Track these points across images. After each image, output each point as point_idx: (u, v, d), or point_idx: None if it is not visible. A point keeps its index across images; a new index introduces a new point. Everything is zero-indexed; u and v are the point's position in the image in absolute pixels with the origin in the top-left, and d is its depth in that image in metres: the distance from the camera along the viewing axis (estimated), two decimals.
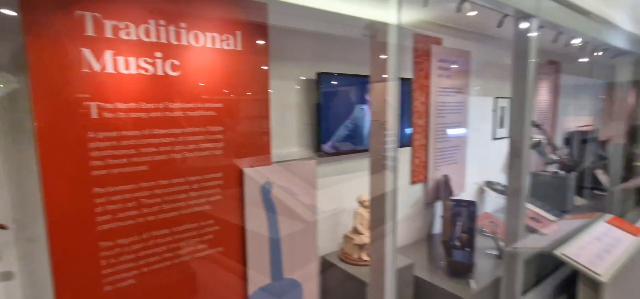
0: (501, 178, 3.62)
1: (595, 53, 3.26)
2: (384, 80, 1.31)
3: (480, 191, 3.41)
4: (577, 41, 2.86)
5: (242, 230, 1.59)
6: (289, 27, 1.82)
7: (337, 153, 2.09)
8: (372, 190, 1.49)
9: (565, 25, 2.20)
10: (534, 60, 1.92)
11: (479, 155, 3.32)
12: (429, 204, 2.87)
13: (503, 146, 3.62)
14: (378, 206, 1.43)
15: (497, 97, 3.44)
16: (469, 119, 3.12)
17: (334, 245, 2.26)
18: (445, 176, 2.87)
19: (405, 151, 2.61)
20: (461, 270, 2.16)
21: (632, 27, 3.01)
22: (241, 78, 1.49)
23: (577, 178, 4.03)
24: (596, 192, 4.13)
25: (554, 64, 4.19)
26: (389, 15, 1.23)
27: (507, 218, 2.09)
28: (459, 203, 2.83)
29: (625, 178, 4.54)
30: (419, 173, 2.75)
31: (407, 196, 2.71)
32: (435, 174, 2.86)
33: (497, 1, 1.71)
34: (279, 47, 1.85)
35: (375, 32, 1.43)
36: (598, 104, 5.34)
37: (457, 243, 2.43)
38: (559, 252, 2.31)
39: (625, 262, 2.35)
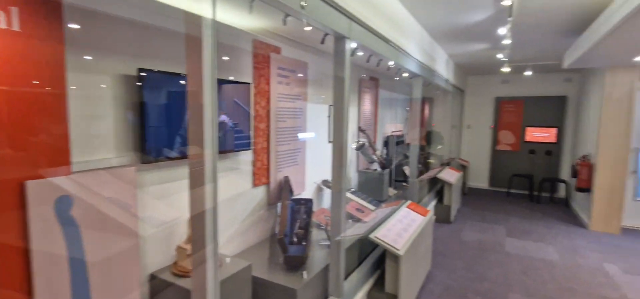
0: None
1: (400, 74, 4.11)
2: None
3: (319, 189, 3.78)
4: (391, 63, 3.54)
5: (25, 258, 1.25)
6: (95, 10, 1.56)
7: (170, 158, 1.92)
8: (192, 200, 1.39)
9: (374, 49, 2.69)
10: (347, 74, 2.25)
11: (317, 157, 3.69)
12: (272, 205, 2.99)
13: None
14: (199, 223, 1.34)
15: (331, 105, 3.90)
16: (308, 124, 3.42)
17: (167, 258, 2.07)
18: (286, 177, 3.05)
19: (248, 155, 2.64)
20: (296, 263, 2.33)
21: (419, 56, 3.94)
22: (19, 67, 1.17)
23: (390, 174, 4.99)
24: (404, 184, 5.22)
25: (375, 80, 5.07)
26: (203, 8, 1.20)
27: (331, 211, 2.38)
28: (298, 201, 3.07)
29: (422, 173, 5.90)
30: (261, 176, 2.83)
31: (250, 199, 2.74)
32: (277, 176, 3.00)
33: (320, 22, 1.93)
34: (88, 35, 1.56)
35: (190, 25, 1.34)
36: (405, 114, 6.79)
37: (295, 239, 2.61)
38: (373, 236, 2.80)
39: (415, 237, 3.05)
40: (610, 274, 3.89)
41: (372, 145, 4.47)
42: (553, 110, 7.59)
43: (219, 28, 1.76)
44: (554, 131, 7.62)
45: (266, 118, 2.82)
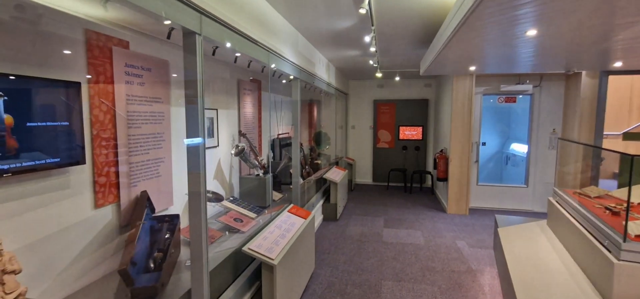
0: (213, 186, 3.81)
1: (278, 77, 4.04)
2: None
3: None
4: (273, 66, 3.41)
5: None
6: None
7: None
8: None
9: (239, 49, 2.51)
10: (200, 74, 2.03)
11: None
12: (125, 227, 2.52)
13: (214, 155, 3.82)
14: None
15: (205, 108, 3.57)
16: (174, 130, 3.04)
17: None
18: (143, 192, 2.63)
19: (79, 170, 2.15)
20: (147, 295, 1.98)
21: (294, 59, 3.95)
22: None
23: (276, 177, 4.90)
24: (290, 186, 5.20)
25: (257, 82, 4.91)
26: None
27: (190, 229, 2.11)
28: (161, 219, 2.68)
29: (309, 174, 6.00)
30: (107, 194, 2.35)
31: (91, 224, 2.24)
32: (131, 191, 2.55)
33: (153, 10, 1.66)
34: None
35: None
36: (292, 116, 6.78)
37: (151, 265, 2.25)
38: (246, 248, 2.62)
39: (294, 242, 3.00)
40: (460, 250, 4.59)
41: (253, 149, 4.30)
42: (419, 111, 8.71)
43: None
44: (420, 129, 8.76)
45: (112, 125, 2.36)
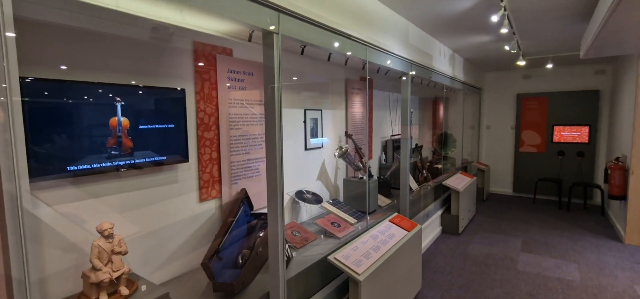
0: (317, 187, 3.81)
1: (387, 73, 3.72)
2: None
3: (293, 201, 3.49)
4: (377, 64, 3.19)
5: None
6: None
7: (62, 176, 1.72)
8: None
9: (327, 46, 2.37)
10: (278, 74, 1.96)
11: (290, 166, 3.40)
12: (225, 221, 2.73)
13: (317, 156, 3.82)
14: None
15: (307, 109, 3.61)
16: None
17: (77, 285, 1.87)
18: (242, 190, 2.80)
19: (185, 167, 2.41)
20: (227, 291, 2.06)
21: (403, 52, 3.54)
22: None
23: (386, 181, 4.58)
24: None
25: (365, 80, 4.70)
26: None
27: (269, 231, 2.08)
28: (257, 216, 2.80)
29: (426, 179, 5.41)
30: (210, 189, 2.59)
31: (195, 216, 2.51)
32: (231, 189, 2.75)
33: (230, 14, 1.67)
34: None
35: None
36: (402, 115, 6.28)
37: (240, 260, 2.34)
38: (331, 257, 2.46)
39: (388, 257, 2.66)
40: None
41: (359, 150, 4.11)
42: (584, 106, 6.77)
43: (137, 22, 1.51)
44: (585, 130, 6.79)
45: (215, 126, 2.59)
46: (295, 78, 3.34)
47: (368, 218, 3.61)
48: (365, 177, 4.00)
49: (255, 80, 2.91)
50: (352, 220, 3.47)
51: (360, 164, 4.03)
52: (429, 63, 4.34)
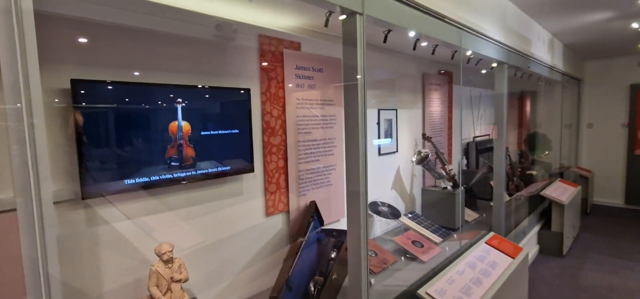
0: (391, 197, 3.34)
1: (477, 63, 3.13)
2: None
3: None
4: (469, 53, 2.66)
5: None
6: None
7: (123, 190, 1.52)
8: None
9: (417, 29, 1.91)
10: (361, 64, 1.55)
11: None
12: (294, 237, 2.41)
13: (391, 162, 3.35)
14: None
15: (381, 109, 3.16)
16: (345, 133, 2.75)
17: None
18: (312, 202, 2.45)
19: (250, 177, 2.13)
20: None
21: (501, 37, 2.90)
22: None
23: (470, 190, 3.92)
24: (491, 204, 4.06)
25: (446, 75, 4.09)
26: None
27: (349, 253, 1.69)
28: (329, 233, 2.43)
29: (518, 187, 4.59)
30: (277, 202, 2.29)
31: (261, 232, 2.22)
32: (300, 201, 2.42)
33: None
34: None
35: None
36: (496, 113, 5.45)
37: (312, 288, 1.99)
38: (423, 291, 1.98)
39: (494, 294, 2.10)
40: None
41: (440, 156, 3.53)
42: None
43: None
44: None
45: (282, 130, 2.28)
46: (359, 76, 2.91)
47: (456, 236, 3.04)
48: (449, 186, 3.41)
49: (325, 78, 2.54)
50: (436, 238, 2.93)
51: (443, 171, 3.45)
52: (527, 50, 3.59)
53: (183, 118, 1.69)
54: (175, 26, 1.73)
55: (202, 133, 1.78)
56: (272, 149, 2.23)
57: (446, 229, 3.14)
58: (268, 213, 2.24)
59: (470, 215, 3.64)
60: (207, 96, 1.80)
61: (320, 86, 2.51)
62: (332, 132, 2.63)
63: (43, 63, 0.81)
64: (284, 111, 2.28)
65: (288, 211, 2.36)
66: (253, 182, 2.14)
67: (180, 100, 1.68)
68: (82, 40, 1.45)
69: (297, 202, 2.40)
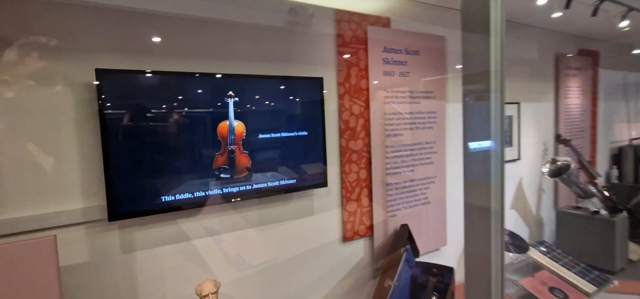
0: (510, 221, 2.52)
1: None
2: None
3: None
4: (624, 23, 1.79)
5: None
6: None
7: (153, 211, 1.19)
8: None
9: None
10: (499, 26, 0.92)
11: None
12: (379, 270, 1.86)
13: (511, 172, 2.53)
14: None
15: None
16: (451, 137, 2.10)
17: None
18: (404, 226, 1.86)
19: (323, 193, 1.65)
20: None
21: None
22: None
23: (631, 214, 2.80)
24: None
25: (589, 55, 3.02)
26: None
27: (465, 292, 1.07)
28: (427, 269, 1.82)
29: None
30: (357, 224, 1.77)
31: (337, 263, 1.73)
32: (387, 224, 1.86)
33: None
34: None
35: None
36: None
37: None
38: None
39: None
40: None
41: (586, 166, 2.55)
42: None
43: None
44: None
45: (364, 132, 1.76)
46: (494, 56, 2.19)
47: (617, 284, 2.09)
48: (601, 210, 2.42)
49: (423, 63, 1.94)
50: (587, 286, 2.04)
51: (592, 188, 2.47)
52: None
53: (236, 118, 1.31)
54: (226, 10, 1.36)
55: (260, 136, 1.37)
56: (352, 156, 1.72)
57: (599, 271, 2.19)
58: (346, 238, 1.74)
59: (636, 250, 2.55)
60: (267, 88, 1.39)
61: (416, 74, 1.91)
62: (430, 134, 2.00)
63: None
64: (367, 107, 1.76)
65: (371, 237, 1.82)
66: (326, 199, 1.67)
67: (231, 93, 1.29)
68: (108, 24, 1.16)
69: (383, 225, 1.85)
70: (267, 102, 1.39)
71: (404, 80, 1.87)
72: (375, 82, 1.76)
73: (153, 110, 1.16)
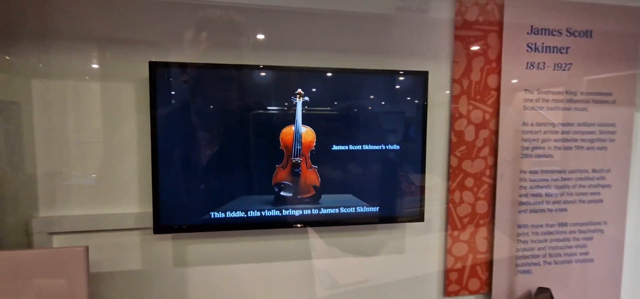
0: None
1: None
2: None
3: None
4: None
5: None
6: None
7: (201, 227, 1.03)
8: None
9: None
10: None
11: None
12: None
13: None
14: None
15: None
16: (637, 163, 1.35)
17: None
18: (543, 292, 1.27)
19: (419, 230, 1.23)
20: None
21: None
22: None
23: None
24: None
25: None
26: None
27: None
28: None
29: None
30: (467, 276, 1.29)
31: None
32: (515, 280, 1.30)
33: None
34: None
35: None
36: None
37: None
38: None
39: None
40: None
41: None
42: None
43: None
44: None
45: (488, 148, 1.24)
46: None
47: None
48: None
49: (595, 49, 1.27)
50: None
51: None
52: None
53: (304, 122, 1.03)
54: None
55: (334, 147, 1.06)
56: (466, 181, 1.24)
57: None
58: (448, 293, 1.27)
59: None
60: (347, 85, 1.07)
61: (582, 65, 1.27)
62: (601, 157, 1.31)
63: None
64: (495, 113, 1.23)
65: (489, 294, 1.30)
66: (423, 236, 1.24)
67: (300, 91, 1.02)
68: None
69: (508, 283, 1.30)
70: (346, 104, 1.07)
71: (562, 76, 1.26)
72: (512, 79, 1.22)
73: (209, 108, 0.99)
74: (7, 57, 0.95)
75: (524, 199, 1.27)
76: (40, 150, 0.99)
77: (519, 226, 1.28)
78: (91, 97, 1.01)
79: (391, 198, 1.13)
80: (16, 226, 0.98)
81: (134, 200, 1.05)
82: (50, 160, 0.99)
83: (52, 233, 1.00)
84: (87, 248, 0.84)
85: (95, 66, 1.00)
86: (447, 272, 1.27)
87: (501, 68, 1.22)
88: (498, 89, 1.23)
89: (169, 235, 1.07)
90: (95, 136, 1.02)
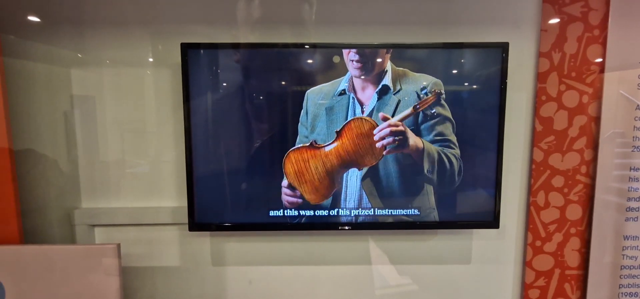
0: None
1: None
2: None
3: None
4: None
5: None
6: None
7: (241, 227, 0.93)
8: None
9: None
10: None
11: None
12: None
13: None
14: None
15: None
16: None
17: None
18: None
19: (491, 237, 1.03)
20: None
21: None
22: None
23: None
24: None
25: None
26: None
27: None
28: None
29: None
30: (553, 294, 1.05)
31: None
32: None
33: None
34: None
35: None
36: None
37: None
38: None
39: None
40: None
41: None
42: None
43: None
44: None
45: (585, 139, 0.99)
46: None
47: None
48: None
49: None
50: None
51: None
52: None
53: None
54: None
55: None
56: (554, 180, 1.00)
57: None
58: None
59: None
60: (400, 61, 0.89)
61: None
62: None
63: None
64: (596, 95, 0.97)
65: None
66: (495, 244, 1.04)
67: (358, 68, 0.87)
68: None
69: None
70: (398, 85, 0.90)
71: None
72: (622, 50, 0.94)
73: (248, 93, 0.88)
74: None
75: (633, 204, 1.00)
76: (81, 141, 0.97)
77: (626, 238, 1.01)
78: (135, 86, 0.95)
79: (455, 199, 0.94)
80: (61, 217, 0.98)
81: (173, 193, 0.99)
82: (94, 152, 0.97)
83: (93, 226, 0.99)
84: (118, 246, 0.79)
85: (127, 52, 0.95)
86: (525, 288, 1.05)
87: (607, 36, 0.95)
88: (602, 64, 0.96)
89: (209, 234, 1.00)
90: (138, 125, 0.97)
